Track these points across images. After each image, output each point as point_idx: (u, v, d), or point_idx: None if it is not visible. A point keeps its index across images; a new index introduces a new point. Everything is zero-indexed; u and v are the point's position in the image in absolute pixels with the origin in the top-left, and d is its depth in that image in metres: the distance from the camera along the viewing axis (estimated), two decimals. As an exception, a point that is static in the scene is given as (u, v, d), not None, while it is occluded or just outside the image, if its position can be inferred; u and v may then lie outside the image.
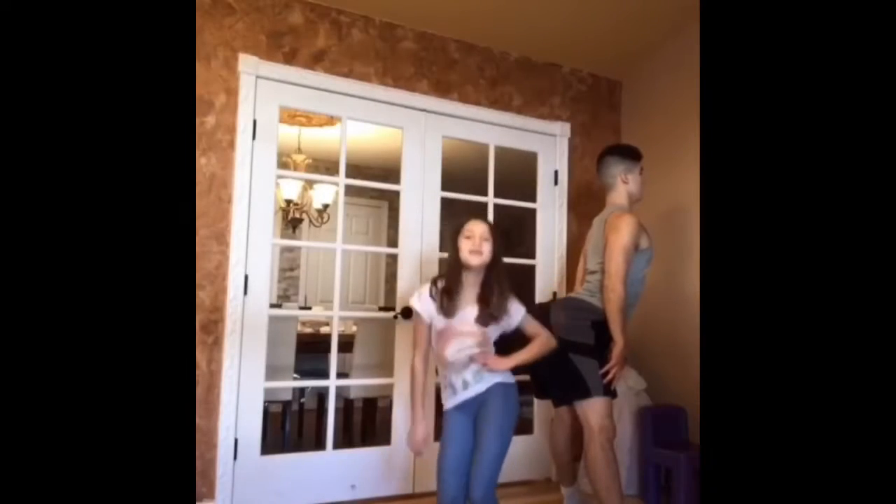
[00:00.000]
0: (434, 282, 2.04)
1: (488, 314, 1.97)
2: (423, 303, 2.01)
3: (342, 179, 3.05)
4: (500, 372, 1.98)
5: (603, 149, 2.67)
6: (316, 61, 2.90)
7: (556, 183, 3.43)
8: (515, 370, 2.06)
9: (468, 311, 1.98)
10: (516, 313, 2.04)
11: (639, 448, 2.93)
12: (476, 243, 1.97)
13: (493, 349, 2.02)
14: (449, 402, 2.01)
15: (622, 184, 2.53)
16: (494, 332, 2.02)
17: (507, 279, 2.04)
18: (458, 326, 1.97)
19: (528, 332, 2.07)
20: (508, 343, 2.10)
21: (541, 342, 2.05)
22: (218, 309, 2.63)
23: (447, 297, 1.98)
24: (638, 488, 2.93)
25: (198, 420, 2.55)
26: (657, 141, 3.30)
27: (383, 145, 4.91)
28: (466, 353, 1.95)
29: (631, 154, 2.57)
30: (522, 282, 3.14)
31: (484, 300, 1.99)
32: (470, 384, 1.96)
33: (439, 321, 1.99)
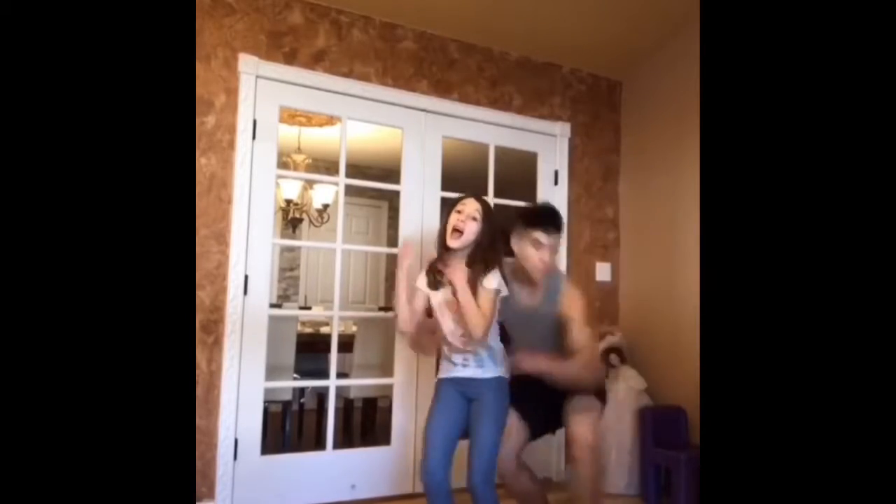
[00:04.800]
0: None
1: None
2: (420, 278, 2.05)
3: (342, 179, 3.05)
4: (498, 367, 1.99)
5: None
6: (316, 61, 2.90)
7: (556, 183, 3.43)
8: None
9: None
10: (487, 283, 1.87)
11: (639, 448, 2.93)
12: (461, 219, 1.90)
13: (497, 330, 2.01)
14: (444, 373, 2.04)
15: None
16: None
17: (497, 258, 1.93)
18: (450, 303, 1.95)
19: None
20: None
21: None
22: (218, 309, 2.63)
23: (433, 272, 1.99)
24: (638, 488, 2.93)
25: (198, 420, 2.55)
26: (657, 141, 3.29)
27: (383, 145, 4.90)
28: (459, 339, 1.95)
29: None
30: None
31: (469, 278, 1.88)
32: (470, 364, 1.97)
33: (434, 296, 2.00)
